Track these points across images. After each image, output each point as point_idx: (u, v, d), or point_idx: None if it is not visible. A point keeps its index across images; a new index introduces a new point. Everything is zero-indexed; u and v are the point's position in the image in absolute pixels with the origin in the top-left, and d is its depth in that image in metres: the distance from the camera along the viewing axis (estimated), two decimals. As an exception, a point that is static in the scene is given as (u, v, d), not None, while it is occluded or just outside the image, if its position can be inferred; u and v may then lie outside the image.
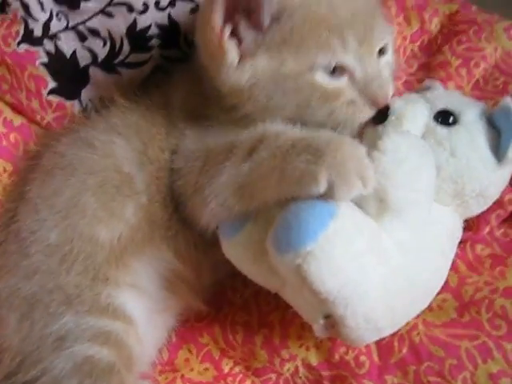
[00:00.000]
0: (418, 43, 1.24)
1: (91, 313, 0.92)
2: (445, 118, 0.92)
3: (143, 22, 1.07)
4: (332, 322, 0.82)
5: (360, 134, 0.92)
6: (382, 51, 0.92)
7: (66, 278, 0.93)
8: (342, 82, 0.89)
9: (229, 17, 0.87)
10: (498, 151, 0.89)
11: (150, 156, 0.99)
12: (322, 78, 0.88)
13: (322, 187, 0.75)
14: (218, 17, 0.86)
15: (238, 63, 0.89)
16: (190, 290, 1.03)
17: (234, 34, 0.88)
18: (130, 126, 1.01)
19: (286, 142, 0.81)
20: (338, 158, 0.76)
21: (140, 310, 0.97)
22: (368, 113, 0.90)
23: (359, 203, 0.82)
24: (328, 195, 0.76)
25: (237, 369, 1.02)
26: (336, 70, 0.88)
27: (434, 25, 1.23)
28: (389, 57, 0.95)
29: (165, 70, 1.12)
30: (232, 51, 0.88)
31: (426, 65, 1.20)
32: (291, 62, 0.87)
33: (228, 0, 0.85)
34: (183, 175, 0.94)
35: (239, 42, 0.89)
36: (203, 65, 0.95)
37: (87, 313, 0.91)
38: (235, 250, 0.90)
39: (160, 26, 1.08)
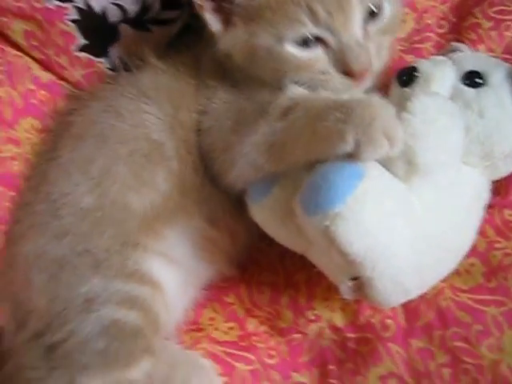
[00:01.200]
0: (449, 4, 1.24)
1: (119, 277, 0.93)
2: (472, 79, 0.91)
3: (174, -23, 1.07)
4: (359, 283, 0.83)
5: (386, 95, 0.91)
6: (371, 16, 0.90)
7: (96, 242, 0.94)
8: (315, 52, 0.89)
9: None
10: (527, 111, 0.89)
11: (180, 119, 1.00)
12: (292, 49, 0.89)
13: (348, 146, 0.75)
14: None
15: (223, 32, 0.95)
16: (224, 256, 1.04)
17: (219, 8, 0.94)
18: (161, 89, 1.02)
19: (320, 102, 0.83)
20: (365, 117, 0.75)
21: (169, 278, 0.98)
22: (340, 82, 0.90)
23: (387, 165, 0.81)
24: (355, 155, 0.76)
25: (261, 328, 1.03)
26: (309, 41, 0.88)
27: (465, -15, 1.22)
28: (382, 21, 0.92)
29: (194, 30, 1.10)
30: (214, 24, 0.95)
31: (457, 26, 1.19)
32: (262, 34, 0.90)
33: None
34: (213, 133, 0.96)
35: (226, 15, 0.94)
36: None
37: (115, 277, 0.93)
38: (262, 214, 0.92)
39: (192, -18, 1.08)
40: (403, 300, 0.88)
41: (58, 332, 0.90)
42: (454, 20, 1.22)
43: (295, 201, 0.81)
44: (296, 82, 0.91)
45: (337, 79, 0.90)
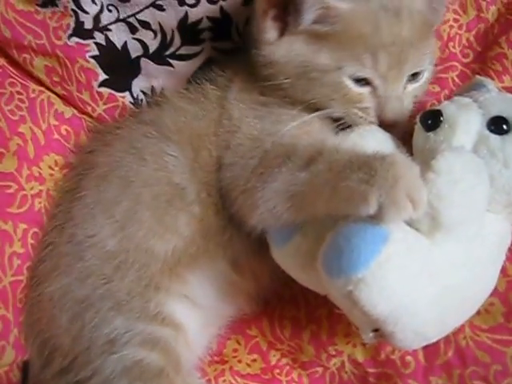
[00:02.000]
0: (474, 32, 1.19)
1: (141, 319, 0.94)
2: (498, 125, 0.88)
3: (194, 15, 1.07)
4: (381, 333, 0.82)
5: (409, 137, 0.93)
6: (415, 76, 0.97)
7: (119, 285, 0.95)
8: (364, 90, 0.94)
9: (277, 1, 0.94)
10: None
11: (200, 161, 1.00)
12: (348, 81, 0.93)
13: (372, 208, 0.73)
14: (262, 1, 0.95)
15: (276, 40, 0.96)
16: (246, 298, 1.05)
17: (280, 16, 0.95)
18: (182, 131, 1.02)
19: (343, 156, 0.81)
20: (389, 179, 0.74)
21: (191, 319, 0.99)
22: (372, 122, 0.95)
23: (411, 221, 0.80)
24: (377, 216, 0.74)
25: (284, 361, 1.05)
26: (361, 80, 0.93)
27: (490, 13, 1.18)
28: (420, 84, 0.99)
29: (217, 63, 1.11)
30: (271, 31, 0.95)
31: (482, 56, 1.16)
32: (324, 56, 0.92)
33: None
34: (235, 171, 0.95)
35: (283, 24, 0.95)
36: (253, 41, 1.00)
37: (137, 319, 0.94)
38: (284, 259, 0.92)
39: (212, 19, 1.08)
40: (423, 345, 0.87)
41: (82, 370, 0.92)
42: (479, 49, 1.19)
43: (318, 261, 0.81)
44: (331, 112, 0.95)
45: (371, 118, 0.95)
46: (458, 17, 1.18)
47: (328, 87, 0.93)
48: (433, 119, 0.90)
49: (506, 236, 0.91)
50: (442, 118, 0.89)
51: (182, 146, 1.01)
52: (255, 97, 1.00)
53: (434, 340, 0.87)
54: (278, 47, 0.95)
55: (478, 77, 1.06)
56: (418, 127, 0.92)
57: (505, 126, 0.87)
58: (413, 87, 0.98)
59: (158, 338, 0.94)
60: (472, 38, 1.19)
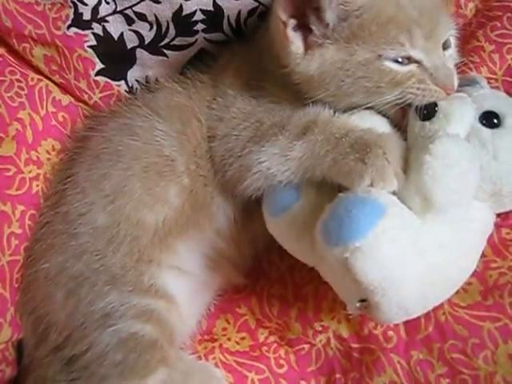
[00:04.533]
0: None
1: (135, 292, 0.97)
2: (489, 119, 0.93)
3: (189, 7, 1.10)
4: (366, 304, 0.86)
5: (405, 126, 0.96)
6: (445, 45, 0.98)
7: (112, 259, 0.98)
8: (410, 67, 0.94)
9: (297, 10, 0.94)
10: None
11: (188, 134, 1.03)
12: (390, 65, 0.93)
13: (365, 183, 0.83)
14: (282, 11, 0.94)
15: (305, 53, 0.95)
16: (231, 265, 1.08)
17: (303, 26, 0.95)
18: (172, 108, 1.06)
19: (339, 129, 0.89)
20: (380, 157, 0.84)
21: (182, 290, 1.02)
22: (440, 94, 0.94)
23: (406, 199, 0.85)
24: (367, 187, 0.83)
25: (272, 338, 1.08)
26: (404, 60, 0.93)
27: (469, 9, 1.24)
28: (452, 50, 1.01)
29: (211, 54, 1.16)
30: (295, 42, 0.95)
31: (460, 49, 1.17)
32: (360, 53, 0.92)
33: None
34: (230, 140, 0.98)
35: (307, 33, 0.95)
36: (273, 50, 1.00)
37: (131, 292, 0.97)
38: (279, 228, 0.96)
39: (205, 12, 1.11)
40: (404, 320, 0.92)
41: (77, 345, 0.95)
42: (459, 43, 1.21)
43: (316, 229, 0.85)
44: (384, 100, 0.94)
45: (433, 90, 0.93)
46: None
47: (374, 78, 0.92)
48: (429, 109, 0.93)
49: (489, 223, 0.96)
50: (437, 109, 0.93)
51: (171, 120, 1.04)
52: (250, 89, 1.02)
53: (415, 316, 0.91)
54: (311, 62, 0.94)
55: (471, 74, 1.11)
56: (412, 116, 0.95)
57: (495, 121, 0.92)
58: (449, 54, 0.99)
59: (152, 310, 0.97)
60: (452, 33, 1.25)
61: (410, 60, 0.93)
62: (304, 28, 0.95)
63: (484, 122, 0.92)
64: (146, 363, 0.94)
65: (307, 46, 0.95)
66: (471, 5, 1.24)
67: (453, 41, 1.01)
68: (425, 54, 0.93)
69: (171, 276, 1.02)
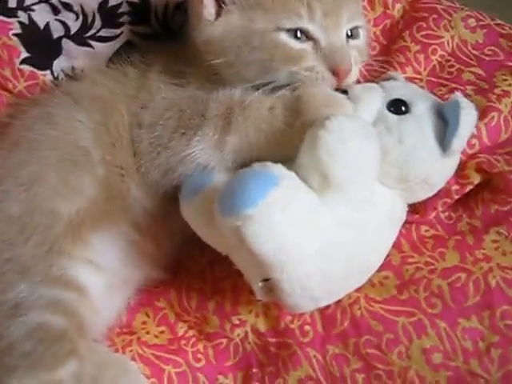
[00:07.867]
0: (381, 27, 1.28)
1: (44, 283, 0.94)
2: (397, 106, 0.95)
3: (115, -1, 1.11)
4: (270, 285, 0.87)
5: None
6: (352, 34, 0.99)
7: (23, 249, 0.96)
8: (305, 45, 0.95)
9: None
10: (443, 142, 0.93)
11: (108, 126, 1.02)
12: (286, 38, 0.95)
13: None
14: None
15: (215, 20, 0.98)
16: (149, 261, 1.06)
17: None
18: (94, 100, 1.05)
19: (261, 105, 0.92)
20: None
21: (97, 283, 1.00)
22: (329, 79, 0.95)
23: (305, 177, 0.86)
24: None
25: (190, 332, 1.07)
26: (301, 35, 0.95)
27: (396, 10, 1.27)
28: (359, 42, 1.01)
29: (138, 48, 1.16)
30: (209, 7, 0.98)
31: (387, 49, 1.24)
32: (260, 21, 0.95)
33: None
34: (156, 130, 0.98)
35: (220, 2, 0.98)
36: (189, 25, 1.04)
37: (41, 283, 0.94)
38: (191, 213, 0.96)
39: (131, 4, 1.12)
40: (313, 307, 0.92)
41: None
42: (385, 43, 1.27)
43: (214, 203, 0.85)
44: (277, 78, 0.95)
45: (323, 74, 0.94)
46: (366, 12, 1.25)
47: (268, 50, 0.94)
48: None
49: (399, 211, 0.98)
50: (347, 96, 0.94)
51: (91, 112, 1.03)
52: (175, 78, 1.03)
53: (324, 303, 0.92)
54: (217, 26, 0.98)
55: (390, 72, 1.14)
56: None
57: (403, 108, 0.95)
58: (354, 43, 1.00)
59: (61, 300, 0.95)
60: (379, 32, 1.28)
61: (307, 37, 0.94)
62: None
63: (392, 109, 0.96)
64: (55, 354, 0.92)
65: (218, 14, 0.98)
66: (399, 6, 1.28)
67: (363, 35, 1.02)
68: (323, 31, 0.95)
69: (84, 268, 0.99)
